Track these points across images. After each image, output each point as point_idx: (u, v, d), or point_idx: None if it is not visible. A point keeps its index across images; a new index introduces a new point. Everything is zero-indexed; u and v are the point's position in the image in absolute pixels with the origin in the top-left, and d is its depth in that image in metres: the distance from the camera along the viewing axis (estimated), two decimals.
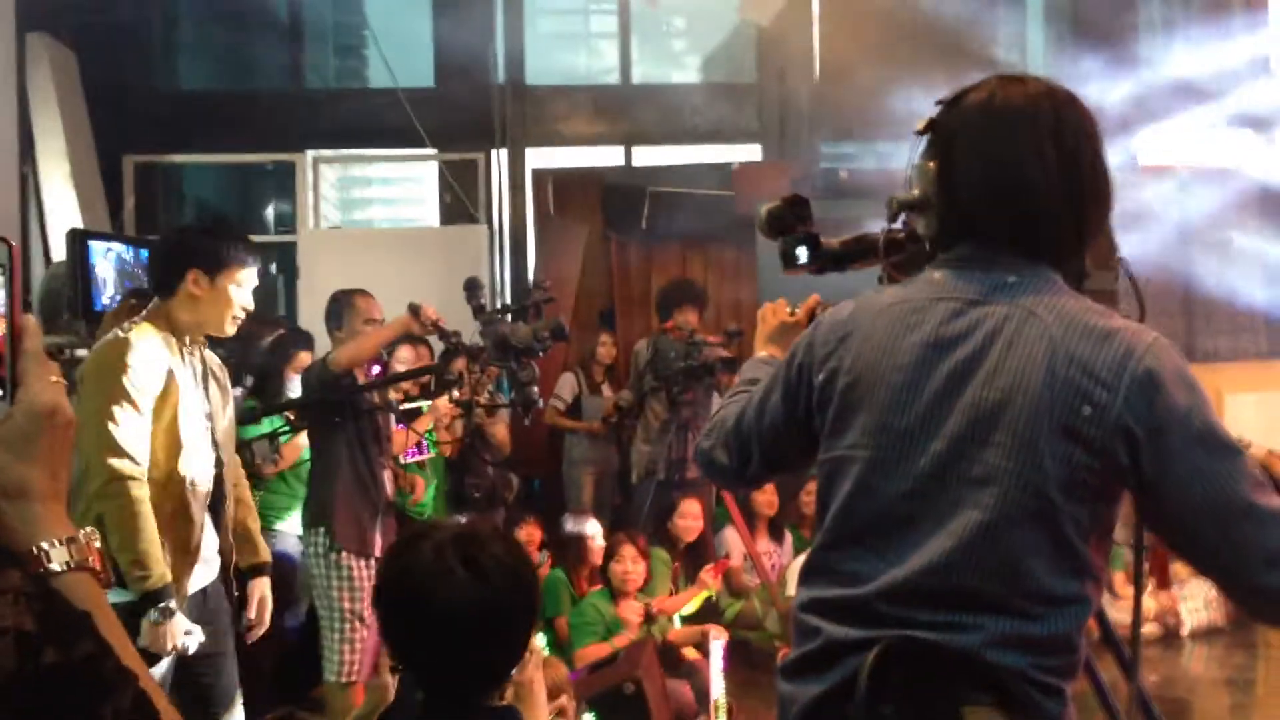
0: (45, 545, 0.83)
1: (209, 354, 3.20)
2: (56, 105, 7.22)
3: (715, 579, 5.33)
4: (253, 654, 4.80)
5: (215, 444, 3.12)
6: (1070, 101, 1.61)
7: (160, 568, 2.82)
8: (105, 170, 7.84)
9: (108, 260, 6.20)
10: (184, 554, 2.97)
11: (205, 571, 3.09)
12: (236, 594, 3.29)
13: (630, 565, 4.87)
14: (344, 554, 4.00)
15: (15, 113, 6.86)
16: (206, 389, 3.12)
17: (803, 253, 2.02)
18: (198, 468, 3.01)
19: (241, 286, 3.07)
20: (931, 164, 1.64)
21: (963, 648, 1.48)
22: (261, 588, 3.35)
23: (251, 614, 3.32)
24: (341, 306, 4.24)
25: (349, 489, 4.05)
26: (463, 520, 1.80)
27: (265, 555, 3.38)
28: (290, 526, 4.83)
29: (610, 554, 4.94)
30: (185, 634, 2.86)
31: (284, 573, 4.82)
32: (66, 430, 0.88)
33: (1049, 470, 1.48)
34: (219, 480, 3.13)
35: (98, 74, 7.66)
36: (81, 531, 0.86)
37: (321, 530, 4.03)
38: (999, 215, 1.59)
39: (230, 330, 3.11)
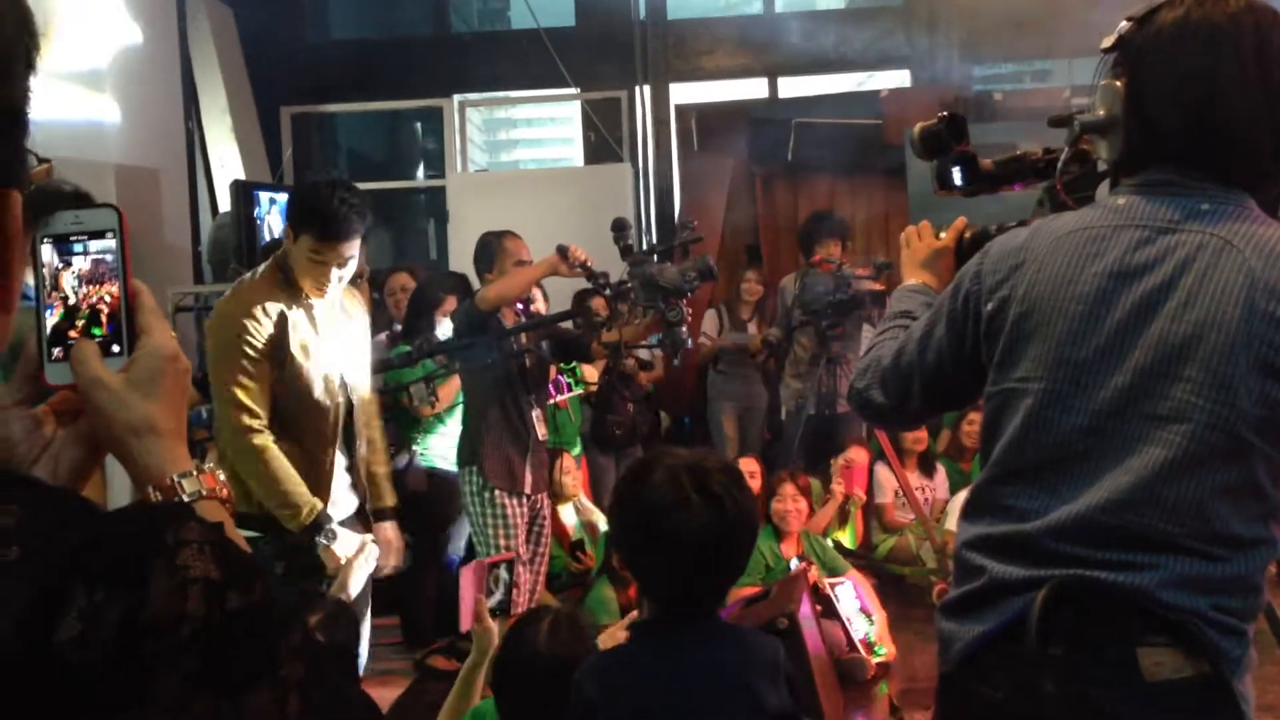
0: (176, 477, 0.90)
1: (347, 293, 3.20)
2: (217, 62, 7.48)
3: (842, 485, 5.30)
4: (417, 587, 5.01)
5: (344, 385, 3.15)
6: (1274, 19, 1.51)
7: (307, 500, 2.94)
8: (263, 122, 8.11)
9: (276, 209, 6.44)
10: None
11: (334, 512, 3.15)
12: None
13: (791, 504, 4.84)
14: (497, 492, 4.10)
15: (179, 71, 7.14)
16: (338, 329, 3.15)
17: (958, 174, 1.94)
18: (310, 411, 3.06)
19: (316, 253, 2.97)
20: (1119, 83, 1.55)
21: (1138, 588, 1.42)
22: (385, 531, 3.29)
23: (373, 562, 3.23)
24: (491, 249, 4.29)
25: (498, 429, 4.14)
26: (685, 451, 1.89)
27: (388, 500, 3.34)
28: (450, 465, 4.97)
29: (771, 492, 4.91)
30: (365, 544, 3.00)
31: (447, 497, 4.96)
32: (185, 375, 0.95)
33: (1244, 409, 1.40)
34: (349, 421, 3.18)
35: (253, 28, 7.90)
36: (206, 465, 0.93)
37: (474, 469, 4.14)
38: (1194, 138, 1.50)
39: (314, 294, 3.05)
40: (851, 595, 4.64)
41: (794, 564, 4.71)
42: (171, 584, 0.64)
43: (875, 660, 4.48)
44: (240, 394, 2.93)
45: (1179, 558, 1.42)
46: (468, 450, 4.20)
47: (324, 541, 2.94)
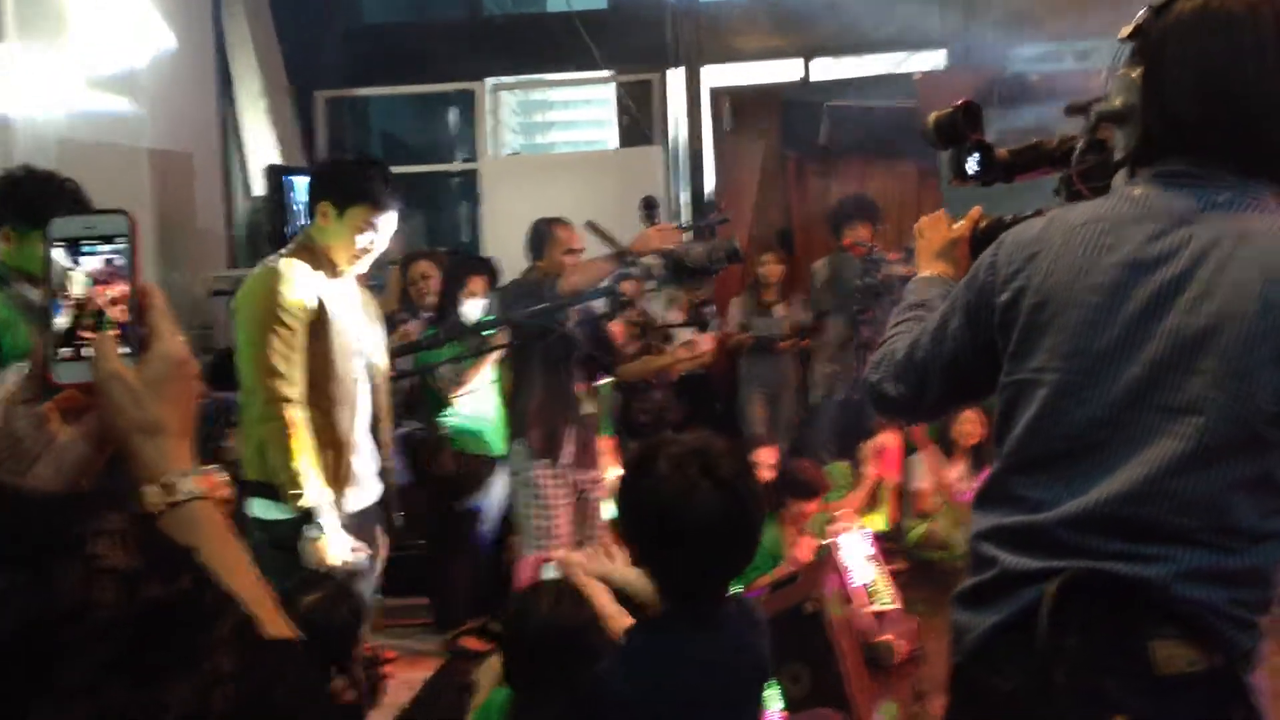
0: (174, 476, 0.92)
1: (360, 289, 3.26)
2: (251, 46, 7.52)
3: (876, 467, 5.28)
4: (447, 569, 5.05)
5: (369, 369, 3.20)
6: None
7: (310, 488, 2.93)
8: (298, 106, 8.15)
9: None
10: (334, 475, 3.06)
11: (363, 495, 3.19)
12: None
13: None
14: (535, 473, 4.18)
15: (214, 55, 7.19)
16: (357, 309, 3.19)
17: (974, 163, 1.92)
18: (344, 392, 3.09)
19: (368, 225, 3.06)
20: (1136, 73, 1.53)
21: (1151, 579, 1.41)
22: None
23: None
24: (542, 235, 4.40)
25: (545, 399, 4.24)
26: (688, 436, 1.87)
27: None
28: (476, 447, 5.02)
29: (784, 480, 4.91)
30: (352, 550, 2.98)
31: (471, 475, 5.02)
32: (193, 381, 0.97)
33: (1261, 403, 1.39)
34: (375, 405, 3.22)
35: (287, 13, 7.93)
36: (208, 466, 0.94)
37: (520, 442, 4.25)
38: (1212, 127, 1.48)
39: (351, 267, 3.13)
40: (855, 544, 4.61)
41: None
42: (79, 573, 0.64)
43: (877, 609, 4.46)
44: (279, 363, 2.94)
45: (1192, 550, 1.41)
46: (515, 424, 4.31)
47: (311, 534, 2.93)
